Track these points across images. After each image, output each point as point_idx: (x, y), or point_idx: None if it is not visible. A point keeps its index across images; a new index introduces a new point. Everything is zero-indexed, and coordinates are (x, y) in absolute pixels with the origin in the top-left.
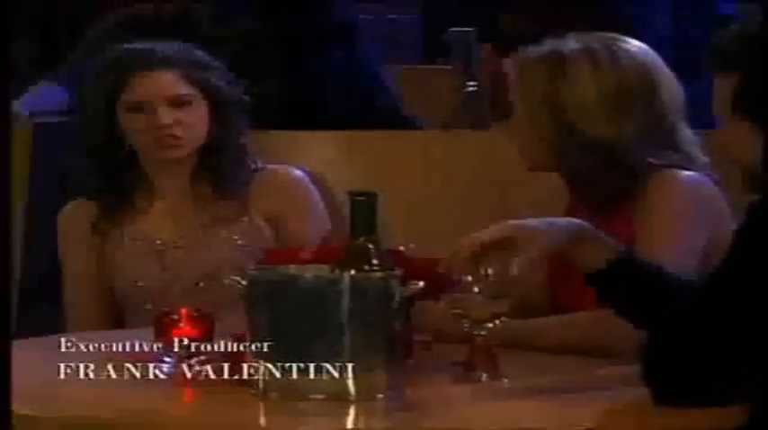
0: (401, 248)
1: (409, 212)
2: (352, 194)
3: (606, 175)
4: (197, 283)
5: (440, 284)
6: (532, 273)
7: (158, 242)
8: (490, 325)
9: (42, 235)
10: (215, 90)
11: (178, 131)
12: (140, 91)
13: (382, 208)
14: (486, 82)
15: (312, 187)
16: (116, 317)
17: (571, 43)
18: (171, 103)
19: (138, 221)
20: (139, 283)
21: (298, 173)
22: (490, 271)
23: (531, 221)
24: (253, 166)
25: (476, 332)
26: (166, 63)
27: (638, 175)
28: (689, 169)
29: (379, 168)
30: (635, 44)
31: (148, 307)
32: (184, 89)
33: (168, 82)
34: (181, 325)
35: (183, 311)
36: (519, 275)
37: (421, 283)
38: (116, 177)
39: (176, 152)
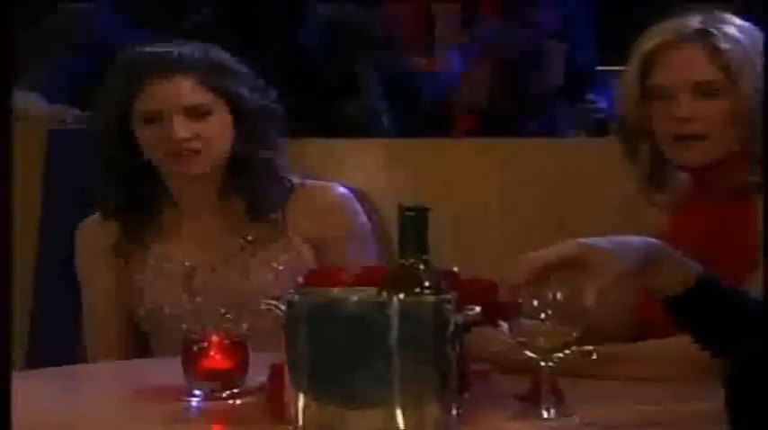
0: (455, 269)
1: (461, 228)
2: (401, 209)
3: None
4: (229, 309)
5: (499, 309)
6: (604, 299)
7: (186, 264)
8: (559, 355)
9: (56, 254)
10: (237, 98)
11: (196, 145)
12: (154, 100)
13: (431, 224)
14: None
15: (358, 206)
16: (140, 345)
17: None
18: (188, 114)
19: (164, 241)
20: (165, 309)
21: (341, 190)
22: (559, 295)
23: (602, 241)
24: (289, 184)
25: (543, 363)
26: (182, 68)
27: None
28: None
29: (426, 180)
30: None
31: (175, 334)
32: (203, 97)
33: (184, 90)
34: (212, 354)
35: (215, 339)
36: (590, 303)
37: (478, 308)
38: (137, 192)
39: (194, 168)
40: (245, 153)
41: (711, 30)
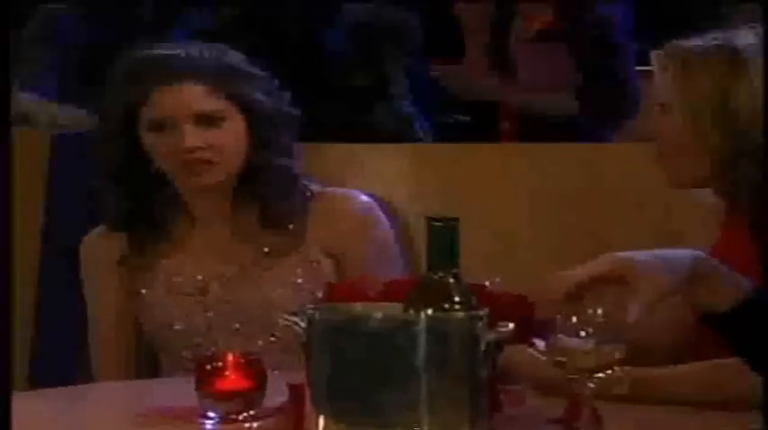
0: (486, 283)
1: (492, 239)
2: (429, 220)
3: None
4: (244, 326)
5: (534, 326)
6: (647, 317)
7: (198, 278)
8: (600, 375)
9: (59, 266)
10: (251, 103)
11: (208, 154)
12: (162, 107)
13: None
14: None
15: (381, 215)
16: (148, 364)
17: (745, 36)
18: (199, 121)
19: (174, 254)
20: (176, 326)
21: (363, 198)
22: (599, 312)
23: (644, 256)
24: (308, 192)
25: (581, 384)
26: (192, 72)
27: None
28: None
29: (453, 187)
30: None
31: (186, 353)
32: (215, 104)
33: (195, 96)
34: (227, 373)
35: (230, 358)
36: (633, 322)
37: (511, 325)
38: (145, 204)
39: (207, 178)
40: (260, 160)
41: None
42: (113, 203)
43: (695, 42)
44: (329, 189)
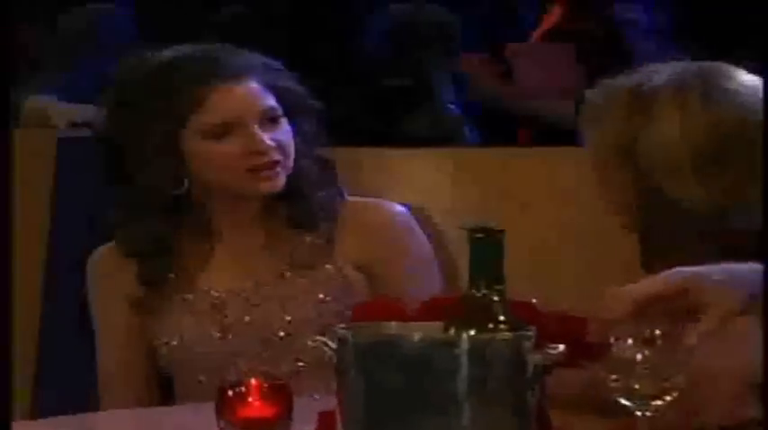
0: (533, 301)
1: (537, 253)
2: (471, 232)
3: (699, 248)
4: (268, 347)
5: (586, 348)
6: (712, 340)
7: (215, 295)
8: (658, 403)
9: (66, 281)
10: (293, 97)
11: (277, 155)
12: (225, 109)
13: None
14: None
15: (416, 227)
16: (163, 389)
17: (660, 74)
18: (263, 121)
19: (191, 269)
20: (192, 348)
21: (397, 208)
22: (658, 333)
23: (709, 271)
24: (339, 198)
25: (639, 411)
26: (248, 70)
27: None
28: None
29: (497, 196)
30: (740, 79)
31: (204, 377)
32: (273, 101)
33: (257, 94)
34: (250, 400)
35: (253, 382)
36: (696, 344)
37: (561, 347)
38: (167, 228)
39: (276, 183)
40: (306, 156)
41: None
42: (138, 234)
43: (608, 82)
44: (360, 199)
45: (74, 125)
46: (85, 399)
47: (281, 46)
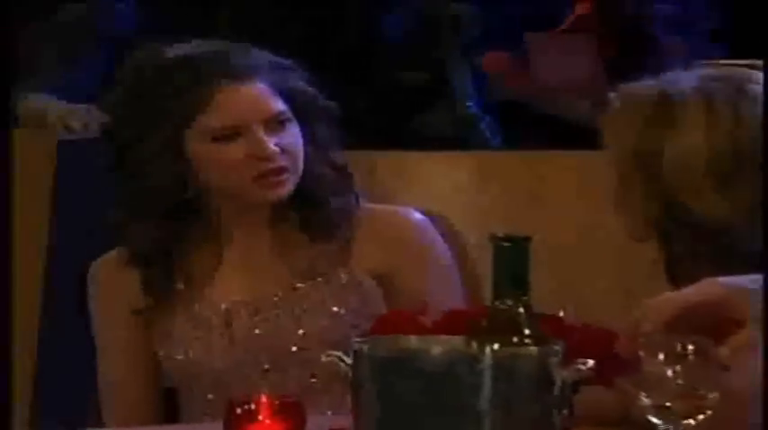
0: (560, 314)
1: (564, 262)
2: (496, 239)
3: (713, 266)
4: (278, 362)
5: (616, 364)
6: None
7: (224, 307)
8: (690, 421)
9: (66, 291)
10: (304, 99)
11: (283, 161)
12: (231, 111)
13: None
14: None
15: (437, 235)
16: (168, 406)
17: (686, 82)
18: (269, 125)
19: (198, 279)
20: (200, 364)
21: (417, 215)
22: (690, 347)
23: (747, 281)
24: (355, 204)
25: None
26: (256, 70)
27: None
28: None
29: (519, 202)
30: None
31: (211, 394)
32: (281, 104)
33: (265, 96)
34: (261, 417)
35: (264, 399)
36: (731, 358)
37: (590, 362)
38: (172, 233)
39: (283, 191)
40: (315, 161)
41: None
42: (139, 236)
43: (631, 86)
44: (378, 206)
45: (71, 128)
46: (85, 415)
47: (293, 40)
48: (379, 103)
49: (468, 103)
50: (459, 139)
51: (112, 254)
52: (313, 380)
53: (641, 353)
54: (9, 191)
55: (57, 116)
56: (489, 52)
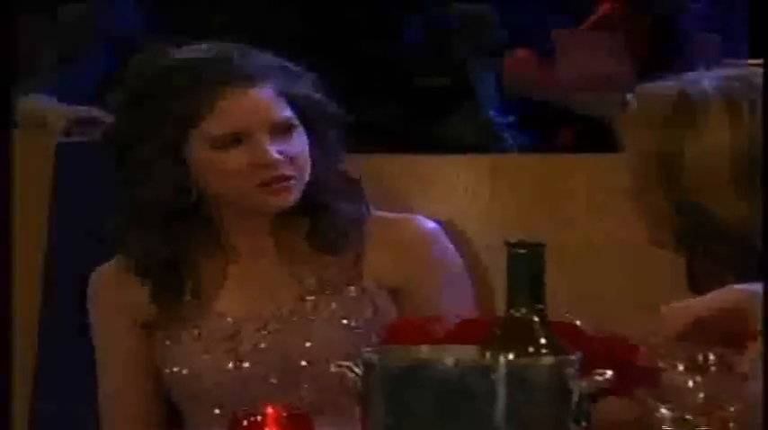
0: (577, 322)
1: (581, 269)
2: (510, 246)
3: (733, 270)
4: (286, 377)
5: (635, 374)
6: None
7: (229, 321)
8: None
9: (65, 300)
10: (313, 106)
11: (288, 169)
12: (235, 117)
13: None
14: None
15: (451, 246)
16: (171, 421)
17: (707, 82)
18: (273, 132)
19: (204, 290)
20: (203, 378)
21: (430, 225)
22: (711, 357)
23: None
24: (366, 213)
25: None
26: (262, 75)
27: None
28: None
29: (534, 207)
30: None
31: (216, 408)
32: (287, 110)
33: (270, 102)
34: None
35: (270, 411)
36: (752, 369)
37: (609, 373)
38: (174, 243)
39: (288, 198)
40: (325, 169)
41: None
42: (140, 245)
43: (649, 87)
44: (389, 214)
45: (70, 130)
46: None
47: (309, 44)
48: (397, 107)
49: (490, 110)
50: (480, 145)
51: (112, 263)
52: (322, 394)
53: (661, 364)
54: (9, 191)
55: (56, 116)
56: (516, 49)
